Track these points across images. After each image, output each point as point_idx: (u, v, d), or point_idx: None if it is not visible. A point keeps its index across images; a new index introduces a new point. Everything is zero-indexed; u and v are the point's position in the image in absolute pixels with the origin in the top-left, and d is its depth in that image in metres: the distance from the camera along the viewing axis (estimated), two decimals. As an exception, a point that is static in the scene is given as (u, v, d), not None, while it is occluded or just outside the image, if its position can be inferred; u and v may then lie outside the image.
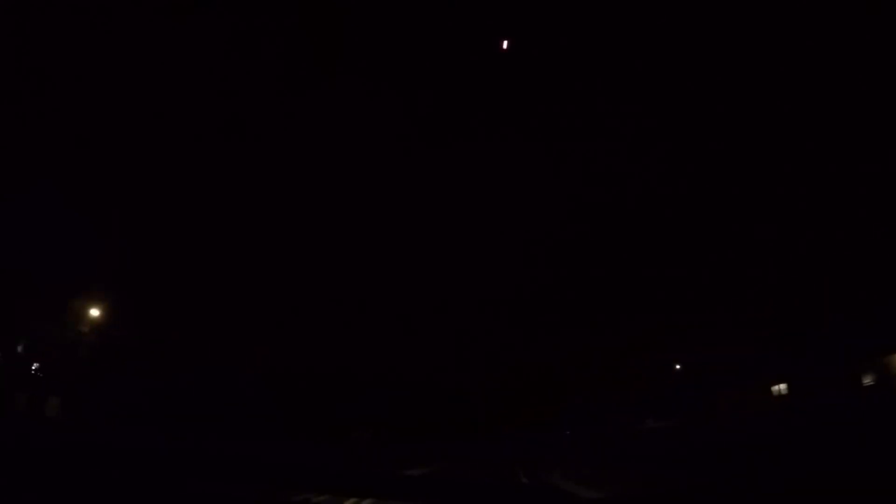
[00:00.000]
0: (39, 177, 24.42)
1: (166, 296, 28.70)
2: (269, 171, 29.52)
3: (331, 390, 30.39)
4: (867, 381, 23.75)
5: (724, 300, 28.30)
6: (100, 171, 26.98)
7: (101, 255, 26.25)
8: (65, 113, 25.10)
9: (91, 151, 26.91)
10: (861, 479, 4.38)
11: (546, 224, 30.86)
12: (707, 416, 28.65)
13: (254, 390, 28.36)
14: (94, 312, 27.23)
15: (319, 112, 28.17)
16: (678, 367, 33.78)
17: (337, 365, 30.11)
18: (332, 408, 30.36)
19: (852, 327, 22.24)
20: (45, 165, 25.36)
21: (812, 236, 24.69)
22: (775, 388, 31.01)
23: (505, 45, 22.51)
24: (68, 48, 22.17)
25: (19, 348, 25.98)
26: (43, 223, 24.17)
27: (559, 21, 23.01)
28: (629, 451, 24.27)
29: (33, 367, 26.32)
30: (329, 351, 30.38)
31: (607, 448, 27.61)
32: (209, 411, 25.38)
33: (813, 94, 22.46)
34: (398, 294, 33.02)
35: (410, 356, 33.16)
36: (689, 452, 16.79)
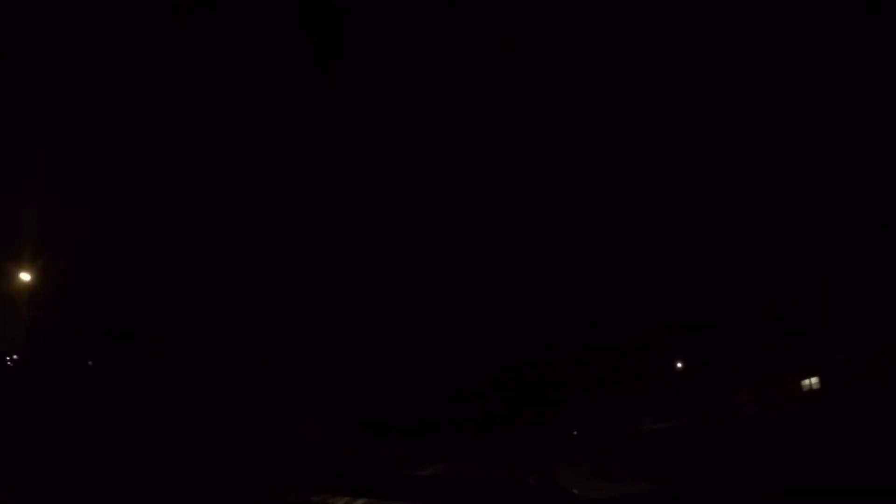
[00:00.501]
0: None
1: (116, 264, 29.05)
2: (265, 167, 30.05)
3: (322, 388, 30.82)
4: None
5: (730, 296, 28.66)
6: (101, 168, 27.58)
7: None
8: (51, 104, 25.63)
9: (91, 147, 27.51)
10: (869, 478, 4.44)
11: (550, 222, 31.40)
12: (728, 414, 28.77)
13: (228, 381, 28.64)
14: (25, 277, 23.70)
15: (316, 109, 28.73)
16: (687, 365, 34.14)
17: (325, 360, 30.73)
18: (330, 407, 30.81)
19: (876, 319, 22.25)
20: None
21: (820, 225, 24.90)
22: (806, 382, 30.87)
23: (504, 44, 23.08)
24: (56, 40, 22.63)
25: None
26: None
27: (556, 20, 23.45)
28: (638, 450, 24.53)
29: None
30: (316, 345, 30.99)
31: (616, 448, 27.98)
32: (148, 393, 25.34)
33: (812, 94, 22.82)
34: (398, 293, 33.64)
35: (409, 355, 33.84)
36: (700, 452, 16.98)
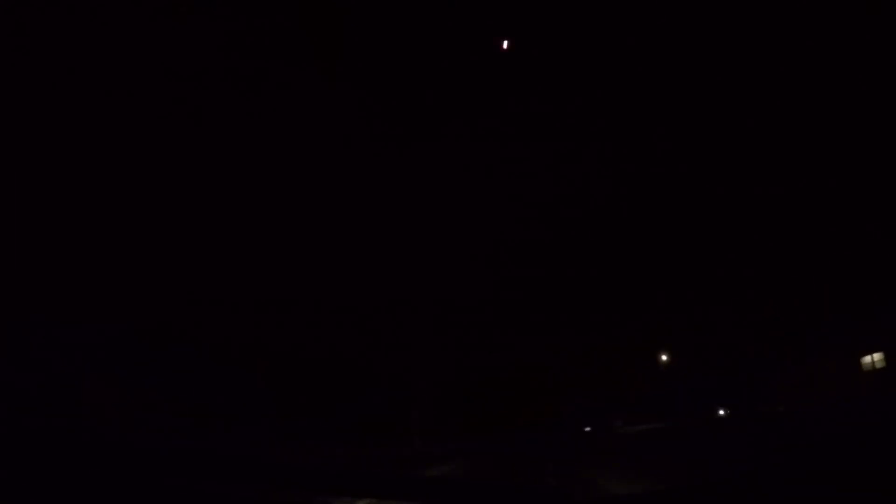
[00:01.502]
0: None
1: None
2: (260, 167, 30.72)
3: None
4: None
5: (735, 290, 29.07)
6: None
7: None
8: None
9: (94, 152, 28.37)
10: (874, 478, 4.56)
11: (552, 222, 32.06)
12: (761, 405, 28.57)
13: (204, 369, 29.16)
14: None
15: (312, 108, 29.25)
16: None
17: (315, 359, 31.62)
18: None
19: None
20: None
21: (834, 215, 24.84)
22: (867, 359, 29.02)
23: (505, 44, 23.54)
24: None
25: None
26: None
27: (551, 20, 23.83)
28: (649, 449, 24.79)
29: None
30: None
31: (630, 445, 28.39)
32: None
33: (810, 91, 22.84)
34: (400, 293, 34.53)
35: (410, 355, 34.84)
36: (716, 450, 17.17)
